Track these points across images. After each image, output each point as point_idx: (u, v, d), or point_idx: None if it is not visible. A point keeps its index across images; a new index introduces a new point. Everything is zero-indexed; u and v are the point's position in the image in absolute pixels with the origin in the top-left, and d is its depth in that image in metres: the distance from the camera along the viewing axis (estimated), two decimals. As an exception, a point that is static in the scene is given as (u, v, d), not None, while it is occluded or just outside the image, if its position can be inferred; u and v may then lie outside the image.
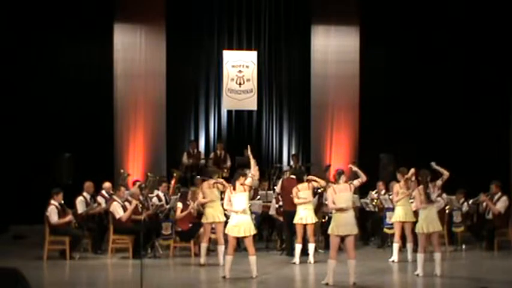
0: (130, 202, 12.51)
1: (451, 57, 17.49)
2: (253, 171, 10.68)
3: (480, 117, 17.30)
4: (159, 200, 13.10)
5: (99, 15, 16.77)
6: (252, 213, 11.45)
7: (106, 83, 17.00)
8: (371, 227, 13.83)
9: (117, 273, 11.27)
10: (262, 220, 13.57)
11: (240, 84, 17.31)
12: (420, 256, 10.37)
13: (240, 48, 17.69)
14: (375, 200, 13.68)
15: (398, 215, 11.80)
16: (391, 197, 12.57)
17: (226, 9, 17.73)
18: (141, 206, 12.52)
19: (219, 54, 17.54)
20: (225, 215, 11.29)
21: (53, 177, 14.85)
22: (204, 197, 11.60)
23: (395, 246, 11.77)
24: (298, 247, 11.62)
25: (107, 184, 13.24)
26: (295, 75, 18.09)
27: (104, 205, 12.82)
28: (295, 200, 11.68)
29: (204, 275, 10.93)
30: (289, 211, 11.97)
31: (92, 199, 13.00)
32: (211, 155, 17.05)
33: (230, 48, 17.63)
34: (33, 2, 16.36)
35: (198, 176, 14.17)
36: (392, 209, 12.20)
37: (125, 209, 12.38)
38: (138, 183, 13.41)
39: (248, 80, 17.33)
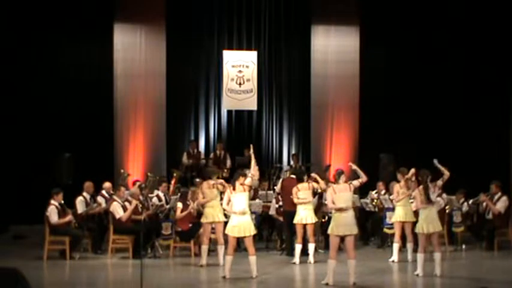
0: (130, 202, 12.51)
1: (451, 57, 17.49)
2: (253, 171, 10.69)
3: (480, 117, 17.30)
4: (159, 200, 13.10)
5: (99, 15, 16.77)
6: (252, 213, 11.45)
7: (106, 83, 17.00)
8: (371, 227, 13.82)
9: (117, 273, 11.27)
10: (262, 220, 13.57)
11: (240, 84, 17.31)
12: (420, 256, 10.37)
13: (240, 48, 17.70)
14: (375, 200, 13.68)
15: (398, 215, 11.80)
16: (391, 197, 12.57)
17: (226, 9, 17.74)
18: (141, 206, 12.52)
19: (219, 54, 17.54)
20: (225, 214, 11.29)
21: (53, 177, 14.85)
22: (203, 197, 11.60)
23: (395, 246, 11.77)
24: (298, 247, 11.62)
25: (107, 184, 13.24)
26: (295, 75, 18.09)
27: (104, 205, 12.82)
28: (295, 200, 11.69)
29: (204, 275, 10.92)
30: (289, 211, 11.97)
31: (92, 199, 13.00)
32: (211, 155, 17.05)
33: (230, 48, 17.64)
34: (33, 2, 16.36)
35: (198, 180, 14.13)
36: (393, 209, 12.21)
37: (125, 209, 12.38)
38: (138, 183, 13.40)
39: (248, 80, 17.33)
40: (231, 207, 10.28)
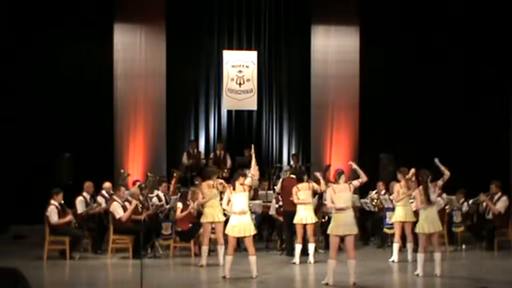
0: (130, 202, 12.50)
1: (451, 57, 17.49)
2: (253, 171, 10.69)
3: (480, 117, 17.30)
4: (159, 200, 13.09)
5: (99, 15, 16.77)
6: (252, 213, 11.45)
7: (106, 83, 17.00)
8: (371, 227, 13.82)
9: (117, 273, 11.26)
10: (262, 220, 13.56)
11: (240, 84, 17.31)
12: (420, 256, 10.37)
13: (240, 48, 17.69)
14: (375, 200, 13.67)
15: (398, 215, 11.80)
16: (391, 197, 12.57)
17: (226, 9, 17.74)
18: (141, 206, 12.52)
19: (219, 54, 17.54)
20: (225, 214, 11.29)
21: (53, 177, 14.85)
22: (203, 197, 11.60)
23: (396, 246, 11.77)
24: (298, 247, 11.62)
25: (107, 184, 13.24)
26: (295, 75, 18.09)
27: (104, 205, 12.82)
28: (295, 200, 11.69)
29: (204, 275, 10.92)
30: (289, 211, 11.97)
31: (92, 199, 13.00)
32: (211, 155, 17.05)
33: (230, 48, 17.63)
34: (33, 2, 16.37)
35: (197, 182, 14.13)
36: (393, 209, 12.20)
37: (125, 209, 12.37)
38: (138, 183, 13.40)
39: (248, 80, 17.33)
40: (231, 207, 10.28)
